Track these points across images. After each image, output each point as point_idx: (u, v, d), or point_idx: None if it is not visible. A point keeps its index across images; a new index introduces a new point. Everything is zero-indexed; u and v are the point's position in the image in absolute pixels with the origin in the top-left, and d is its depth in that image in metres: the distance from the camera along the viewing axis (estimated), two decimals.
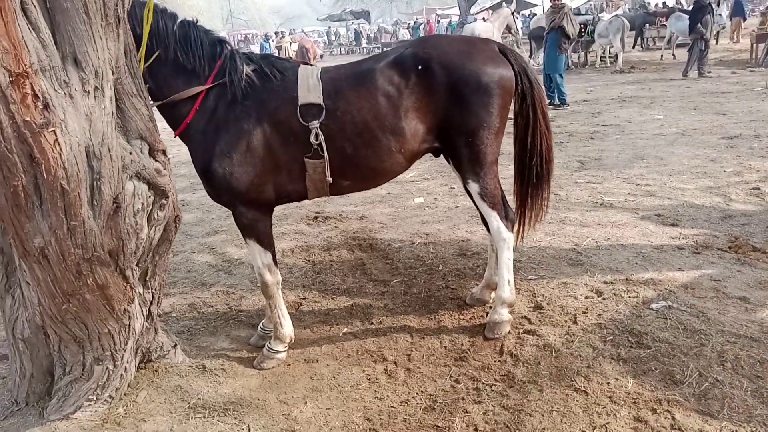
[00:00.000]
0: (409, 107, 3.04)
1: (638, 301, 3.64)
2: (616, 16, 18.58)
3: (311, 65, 3.21)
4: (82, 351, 2.81)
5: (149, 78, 2.96)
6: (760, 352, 3.00)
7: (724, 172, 6.27)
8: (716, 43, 14.68)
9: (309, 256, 4.89)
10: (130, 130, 2.76)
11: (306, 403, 2.95)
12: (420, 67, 3.02)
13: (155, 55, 2.91)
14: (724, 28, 19.94)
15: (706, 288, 3.73)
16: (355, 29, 43.51)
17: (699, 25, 13.86)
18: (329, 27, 45.38)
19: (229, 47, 3.10)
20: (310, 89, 2.98)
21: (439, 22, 36.16)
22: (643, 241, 4.59)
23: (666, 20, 19.95)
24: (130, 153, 2.72)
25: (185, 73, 3.00)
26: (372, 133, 3.02)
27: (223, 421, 2.82)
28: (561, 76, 11.42)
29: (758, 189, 5.58)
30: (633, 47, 22.22)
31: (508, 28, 15.30)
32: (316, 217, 5.87)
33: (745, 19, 22.16)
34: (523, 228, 3.58)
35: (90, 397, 2.86)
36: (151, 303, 3.10)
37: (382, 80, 3.01)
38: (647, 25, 21.98)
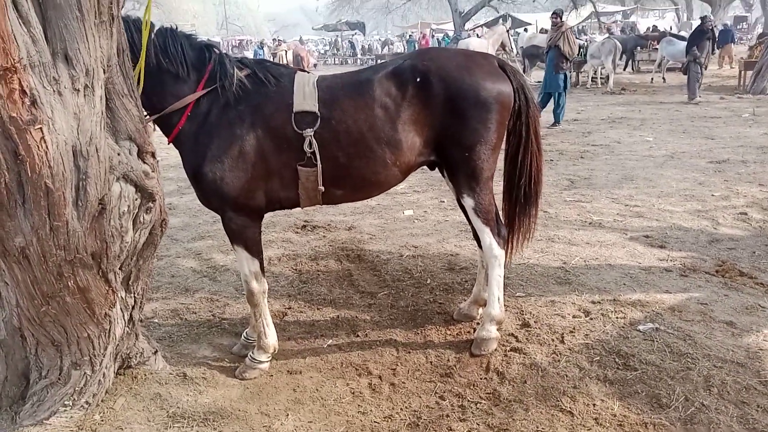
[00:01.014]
0: (406, 119, 3.01)
1: (625, 322, 3.62)
2: (608, 37, 18.81)
3: (308, 72, 3.18)
4: (60, 355, 2.74)
5: None
6: (746, 378, 3.00)
7: (712, 195, 6.32)
8: (705, 69, 14.82)
9: (296, 265, 4.84)
10: (120, 130, 2.71)
11: (288, 415, 2.89)
12: (418, 80, 3.00)
13: (139, 67, 2.86)
14: (714, 54, 20.23)
15: (693, 311, 3.73)
16: (350, 40, 43.74)
17: (695, 48, 14.00)
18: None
19: (217, 51, 3.06)
20: (305, 96, 2.95)
21: (433, 36, 36.40)
22: (631, 261, 4.60)
23: (657, 44, 20.22)
24: (119, 154, 2.67)
25: (172, 80, 2.95)
26: (367, 144, 2.99)
27: None
28: (560, 95, 11.42)
29: (745, 214, 5.62)
30: (624, 69, 22.50)
31: (503, 46, 15.41)
32: (304, 226, 5.82)
33: (735, 43, 22.49)
34: (511, 247, 3.56)
35: (66, 402, 2.78)
36: (132, 308, 3.03)
37: (379, 91, 2.99)
38: (638, 47, 22.29)
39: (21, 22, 2.18)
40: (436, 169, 3.35)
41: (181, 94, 2.97)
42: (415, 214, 6.20)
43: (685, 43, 16.99)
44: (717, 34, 19.65)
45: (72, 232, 2.45)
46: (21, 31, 2.17)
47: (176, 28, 3.04)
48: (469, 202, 3.19)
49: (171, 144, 3.08)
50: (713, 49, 15.38)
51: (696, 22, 20.19)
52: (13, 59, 2.11)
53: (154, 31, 2.94)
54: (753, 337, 3.40)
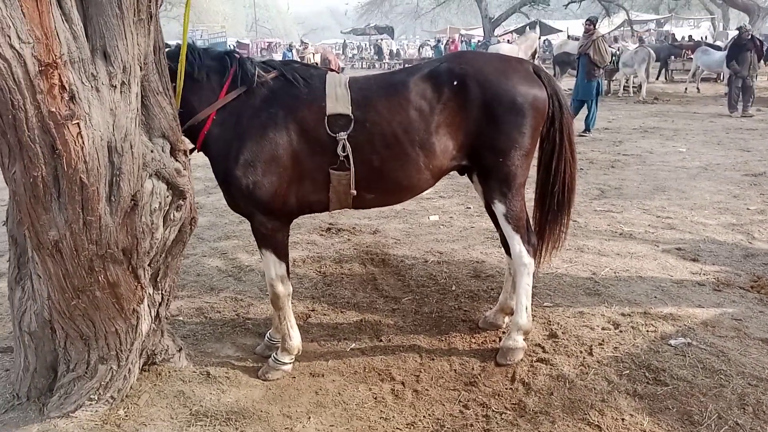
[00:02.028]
0: (440, 123, 2.98)
1: (656, 335, 3.54)
2: (641, 46, 18.50)
3: (338, 73, 3.17)
4: (88, 349, 2.77)
5: None
6: None
7: (748, 209, 6.16)
8: (755, 80, 13.97)
9: (320, 267, 4.84)
10: (154, 127, 2.73)
11: (309, 418, 2.88)
12: (455, 83, 2.97)
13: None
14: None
15: (727, 327, 3.62)
16: (377, 44, 43.85)
17: (734, 62, 13.56)
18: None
19: (237, 55, 3.05)
20: (338, 99, 2.92)
21: (462, 41, 36.29)
22: (662, 274, 4.49)
23: (692, 53, 19.83)
24: (152, 151, 2.70)
25: (195, 87, 2.95)
26: (401, 147, 2.96)
27: (224, 431, 2.75)
28: (593, 102, 11.27)
29: None
30: (657, 78, 22.12)
31: (533, 53, 15.27)
32: (329, 229, 5.82)
33: None
34: (541, 256, 3.50)
35: (92, 396, 2.81)
36: (159, 305, 3.05)
37: (414, 93, 2.96)
38: (672, 57, 21.89)
39: (64, 18, 2.22)
40: (465, 174, 3.31)
41: (204, 100, 2.95)
42: (441, 219, 6.15)
43: (721, 52, 16.63)
44: (765, 45, 18.83)
45: (104, 227, 2.48)
46: (63, 27, 2.21)
47: (193, 41, 3.04)
48: (500, 208, 3.15)
49: (200, 151, 3.07)
50: (759, 60, 14.23)
51: (732, 32, 19.66)
52: (55, 55, 2.15)
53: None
54: None
